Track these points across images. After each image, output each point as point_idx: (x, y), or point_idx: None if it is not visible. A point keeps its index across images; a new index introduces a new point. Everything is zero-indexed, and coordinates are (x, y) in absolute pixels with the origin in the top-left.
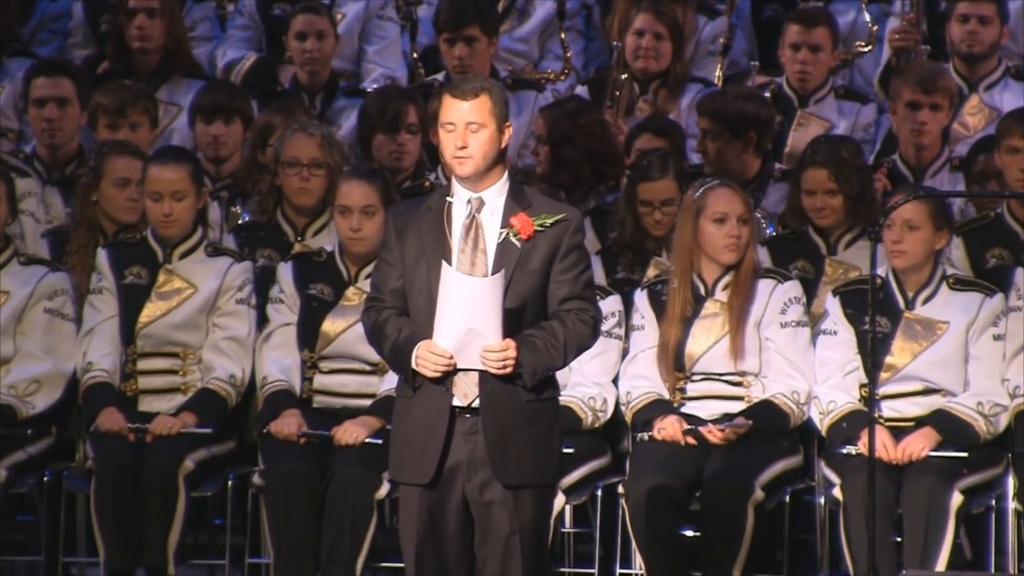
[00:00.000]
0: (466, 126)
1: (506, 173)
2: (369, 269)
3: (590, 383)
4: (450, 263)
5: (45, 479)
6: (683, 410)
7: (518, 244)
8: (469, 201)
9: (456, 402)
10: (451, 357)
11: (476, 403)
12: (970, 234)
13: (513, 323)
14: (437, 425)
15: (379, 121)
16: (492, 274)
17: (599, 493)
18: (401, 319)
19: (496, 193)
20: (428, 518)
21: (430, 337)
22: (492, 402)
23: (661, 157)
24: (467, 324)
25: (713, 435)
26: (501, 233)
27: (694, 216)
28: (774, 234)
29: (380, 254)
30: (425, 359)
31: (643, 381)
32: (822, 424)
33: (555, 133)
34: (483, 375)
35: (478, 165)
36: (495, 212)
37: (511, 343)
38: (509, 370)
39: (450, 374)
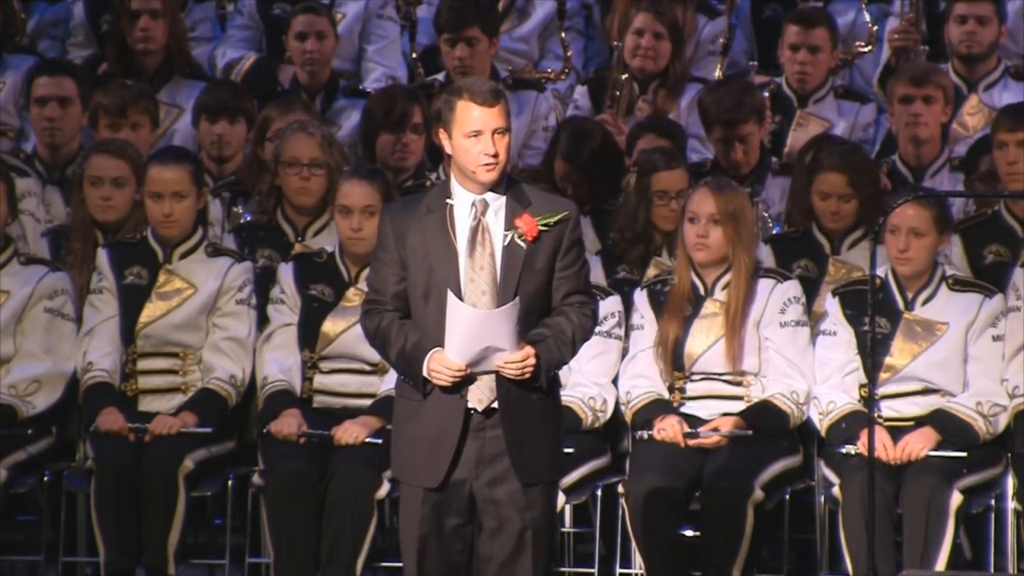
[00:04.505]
0: (493, 132)
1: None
2: None
3: (590, 383)
4: (457, 266)
5: (45, 479)
6: (683, 410)
7: (523, 245)
8: (474, 204)
9: (471, 406)
10: (465, 368)
11: (493, 405)
12: (968, 231)
13: (521, 324)
14: (451, 429)
15: (384, 121)
16: (500, 275)
17: (599, 493)
18: (406, 324)
19: (497, 194)
20: (431, 517)
21: (437, 341)
22: (509, 404)
23: (668, 151)
24: (482, 348)
25: (710, 439)
26: (506, 236)
27: (683, 214)
28: (780, 232)
29: (377, 255)
30: (439, 372)
31: (643, 381)
32: (821, 424)
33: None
34: (499, 379)
35: (502, 170)
36: (498, 213)
37: (531, 352)
38: (528, 376)
39: (464, 382)
